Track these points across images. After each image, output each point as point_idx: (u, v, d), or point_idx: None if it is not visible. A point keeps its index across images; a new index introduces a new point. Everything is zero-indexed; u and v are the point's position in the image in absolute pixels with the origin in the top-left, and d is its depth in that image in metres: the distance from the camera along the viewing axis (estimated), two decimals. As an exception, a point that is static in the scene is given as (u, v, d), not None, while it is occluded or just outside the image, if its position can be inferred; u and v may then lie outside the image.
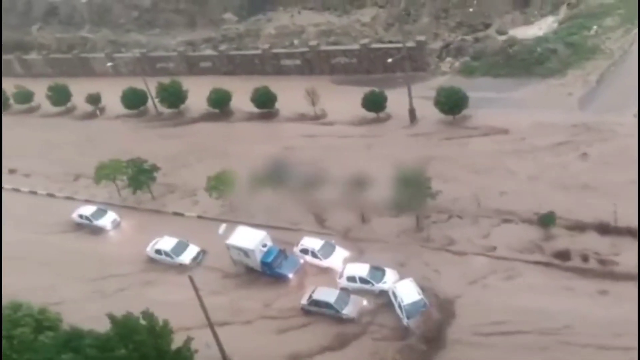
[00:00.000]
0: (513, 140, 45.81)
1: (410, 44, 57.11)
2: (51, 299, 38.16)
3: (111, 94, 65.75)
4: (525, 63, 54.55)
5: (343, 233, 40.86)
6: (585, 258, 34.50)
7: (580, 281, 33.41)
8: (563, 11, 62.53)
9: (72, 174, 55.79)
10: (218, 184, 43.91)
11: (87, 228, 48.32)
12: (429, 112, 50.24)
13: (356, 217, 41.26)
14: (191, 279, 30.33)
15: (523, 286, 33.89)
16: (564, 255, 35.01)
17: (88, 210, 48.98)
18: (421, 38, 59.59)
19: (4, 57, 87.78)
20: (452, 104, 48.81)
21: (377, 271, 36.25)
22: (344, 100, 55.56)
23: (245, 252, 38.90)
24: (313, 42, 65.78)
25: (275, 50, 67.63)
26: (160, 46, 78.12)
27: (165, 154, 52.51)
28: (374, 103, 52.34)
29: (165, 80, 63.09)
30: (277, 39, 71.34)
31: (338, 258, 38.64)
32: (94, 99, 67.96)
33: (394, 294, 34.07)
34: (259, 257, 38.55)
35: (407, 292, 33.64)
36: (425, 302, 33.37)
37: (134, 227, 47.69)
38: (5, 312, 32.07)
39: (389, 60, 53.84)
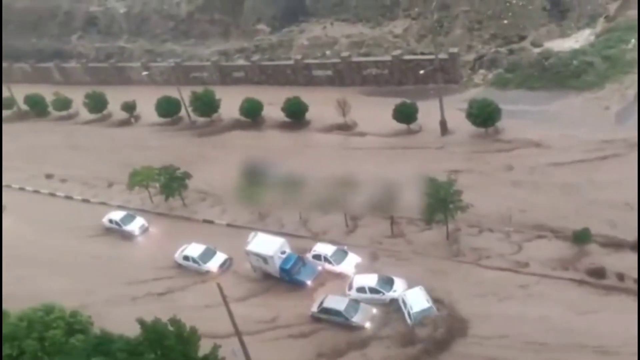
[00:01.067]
0: (547, 154, 44.97)
1: (442, 55, 56.78)
2: (81, 302, 38.78)
3: (146, 102, 67.16)
4: (561, 76, 53.64)
5: (372, 244, 40.56)
6: (620, 277, 33.51)
7: (615, 300, 32.45)
8: (600, 24, 61.33)
9: (107, 180, 56.89)
10: (246, 193, 44.15)
11: (116, 233, 49.24)
12: (460, 124, 49.76)
13: (386, 228, 40.93)
14: (219, 287, 30.47)
15: (555, 304, 33.06)
16: (598, 273, 34.07)
17: (117, 215, 49.94)
18: (454, 50, 59.20)
19: (44, 65, 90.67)
20: (484, 116, 48.23)
21: (386, 280, 36.55)
22: (374, 112, 55.50)
23: (264, 259, 39.26)
24: (345, 53, 65.99)
25: (307, 61, 68.05)
26: (195, 56, 79.46)
27: (197, 162, 53.18)
28: (405, 114, 52.11)
29: (199, 89, 64.08)
30: (309, 50, 71.83)
31: (350, 264, 39.02)
32: (130, 107, 69.46)
33: (403, 301, 34.52)
34: (277, 263, 38.90)
35: (416, 299, 34.21)
36: (434, 310, 33.73)
37: (163, 233, 48.28)
38: (37, 314, 32.67)
39: (421, 71, 53.59)
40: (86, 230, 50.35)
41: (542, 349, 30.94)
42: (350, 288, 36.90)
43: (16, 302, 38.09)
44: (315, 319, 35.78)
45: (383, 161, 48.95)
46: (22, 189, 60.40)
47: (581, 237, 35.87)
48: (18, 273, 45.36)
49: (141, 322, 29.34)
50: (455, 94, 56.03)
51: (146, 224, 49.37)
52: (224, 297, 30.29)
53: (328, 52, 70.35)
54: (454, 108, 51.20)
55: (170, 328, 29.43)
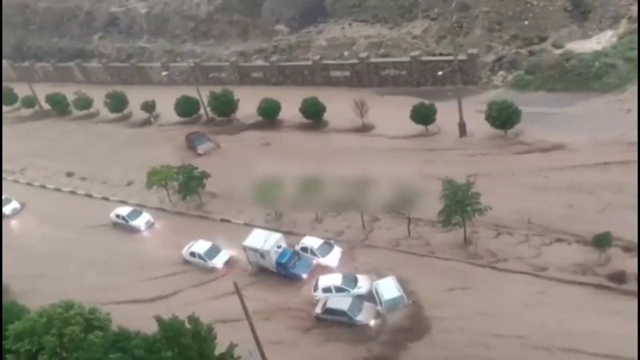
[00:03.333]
0: (567, 157, 44.40)
1: (461, 56, 56.39)
2: (92, 296, 39.09)
3: (165, 101, 67.80)
4: (582, 78, 52.93)
5: (389, 245, 40.40)
6: (641, 281, 32.95)
7: (635, 305, 31.88)
8: (623, 25, 60.31)
9: (126, 178, 57.47)
10: (263, 193, 44.39)
11: (123, 228, 50.00)
12: (479, 126, 49.39)
13: (403, 229, 40.77)
14: (236, 286, 30.62)
15: (573, 309, 32.63)
16: (618, 277, 33.54)
17: (124, 210, 50.66)
18: (473, 51, 58.78)
19: (65, 64, 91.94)
20: (504, 118, 47.80)
21: (350, 279, 37.64)
22: (392, 113, 55.32)
23: (261, 254, 40.22)
24: (363, 54, 65.89)
25: (325, 62, 68.08)
26: (214, 56, 79.97)
27: (215, 161, 53.49)
28: (423, 116, 51.86)
29: (218, 89, 64.54)
30: (327, 51, 71.83)
31: (335, 256, 40.17)
32: (149, 107, 70.15)
33: (376, 290, 35.97)
34: (274, 258, 39.86)
35: (387, 288, 35.68)
36: (404, 299, 35.17)
37: (176, 229, 48.41)
38: (57, 310, 33.10)
39: (440, 72, 53.25)
40: (100, 227, 51.17)
41: (546, 353, 30.65)
42: (316, 289, 37.70)
43: (34, 298, 38.91)
44: (320, 320, 36.07)
45: (400, 163, 48.63)
46: (43, 186, 61.32)
47: (602, 241, 35.29)
48: (35, 269, 46.20)
49: (158, 320, 29.54)
50: (474, 95, 55.61)
51: (152, 220, 50.04)
52: (240, 295, 30.40)
53: (346, 53, 70.29)
54: (473, 110, 50.81)
55: (188, 326, 29.61)
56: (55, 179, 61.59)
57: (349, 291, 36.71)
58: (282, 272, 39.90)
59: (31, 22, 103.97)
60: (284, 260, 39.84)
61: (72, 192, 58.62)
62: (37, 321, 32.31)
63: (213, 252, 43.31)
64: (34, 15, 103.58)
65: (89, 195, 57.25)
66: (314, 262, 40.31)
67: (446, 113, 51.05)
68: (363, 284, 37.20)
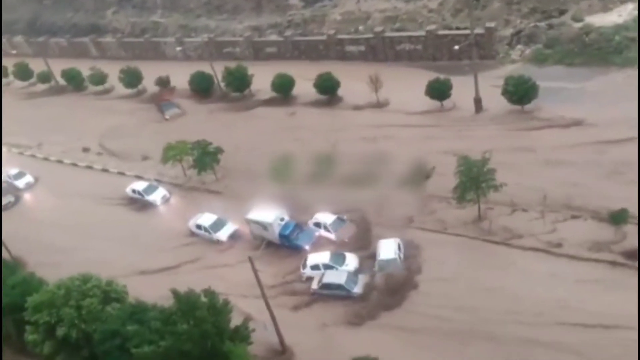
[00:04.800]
0: (585, 132, 43.77)
1: (478, 30, 55.48)
2: (112, 269, 39.63)
3: (180, 77, 67.71)
4: (602, 52, 51.90)
5: (402, 220, 40.37)
6: (657, 259, 32.64)
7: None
8: (646, -3, 58.80)
9: (141, 153, 57.78)
10: (277, 169, 44.47)
11: (139, 202, 50.49)
12: (496, 101, 48.74)
13: (417, 205, 40.64)
14: (251, 260, 30.85)
15: (587, 285, 32.48)
16: (633, 254, 33.21)
17: (140, 185, 51.11)
18: (491, 24, 57.74)
19: (80, 39, 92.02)
20: (521, 93, 47.11)
21: (338, 256, 38.25)
22: (407, 88, 54.80)
23: (264, 226, 40.84)
24: (378, 28, 65.06)
25: (340, 36, 67.39)
26: (228, 31, 79.49)
27: (229, 137, 53.53)
28: (439, 91, 51.28)
29: (232, 64, 64.28)
30: (342, 25, 71.02)
31: (347, 232, 40.52)
32: (164, 82, 70.14)
33: (376, 249, 37.12)
34: (277, 230, 40.48)
35: (386, 249, 36.74)
36: (398, 262, 36.01)
37: (191, 205, 48.56)
38: (75, 282, 33.64)
39: (456, 47, 52.44)
40: (113, 201, 51.79)
41: (559, 329, 30.61)
42: (304, 267, 38.24)
43: (50, 270, 39.63)
44: (317, 295, 36.60)
45: (415, 138, 48.43)
46: (59, 161, 61.98)
47: (618, 218, 35.00)
48: (52, 242, 47.01)
49: (174, 292, 29.92)
50: (491, 70, 54.82)
51: (168, 195, 50.45)
52: (255, 270, 30.68)
53: (361, 28, 69.45)
54: (489, 85, 50.13)
55: (203, 299, 29.98)
56: (71, 154, 62.14)
57: (336, 268, 37.24)
58: (286, 244, 40.49)
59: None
60: (286, 232, 40.52)
61: (89, 167, 59.16)
62: (56, 293, 32.86)
63: (218, 225, 43.92)
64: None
65: (105, 170, 57.72)
66: (317, 234, 40.91)
67: (462, 88, 50.42)
68: (350, 262, 37.79)
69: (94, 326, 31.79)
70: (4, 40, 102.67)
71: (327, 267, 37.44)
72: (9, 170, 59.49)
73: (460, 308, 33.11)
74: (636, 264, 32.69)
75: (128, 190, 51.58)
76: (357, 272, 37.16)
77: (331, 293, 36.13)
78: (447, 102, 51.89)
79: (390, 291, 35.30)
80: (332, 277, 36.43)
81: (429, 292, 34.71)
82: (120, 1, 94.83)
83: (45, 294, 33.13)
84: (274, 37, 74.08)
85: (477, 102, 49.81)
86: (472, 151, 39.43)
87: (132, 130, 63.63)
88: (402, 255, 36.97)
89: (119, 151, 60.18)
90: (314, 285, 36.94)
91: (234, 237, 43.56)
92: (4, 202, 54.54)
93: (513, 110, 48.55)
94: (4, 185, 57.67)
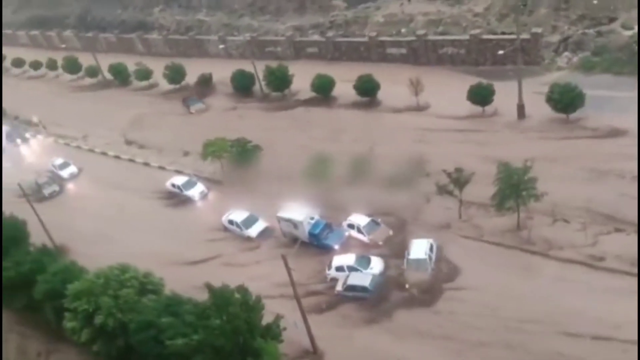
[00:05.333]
0: (632, 143, 42.24)
1: (524, 35, 54.37)
2: (148, 259, 40.39)
3: (222, 74, 68.62)
4: (653, 61, 50.13)
5: (439, 226, 39.91)
6: None
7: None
8: (702, 5, 56.59)
9: (182, 149, 58.78)
10: (315, 169, 44.55)
11: (178, 196, 51.38)
12: (540, 109, 47.70)
13: (455, 211, 40.13)
14: (284, 259, 30.94)
15: (626, 301, 31.21)
16: (681, 272, 32.03)
17: (180, 180, 51.97)
18: (537, 30, 56.53)
19: (127, 35, 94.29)
20: (566, 101, 45.95)
21: (364, 259, 38.19)
22: (448, 92, 54.16)
23: (294, 224, 41.12)
24: (421, 31, 64.51)
25: (381, 38, 67.10)
26: (270, 31, 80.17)
27: (267, 135, 53.94)
28: (481, 96, 50.48)
29: (273, 64, 64.78)
30: (384, 27, 70.71)
31: (381, 235, 40.12)
32: (206, 80, 71.25)
33: (408, 249, 37.18)
34: (307, 229, 40.69)
35: (417, 249, 36.81)
36: (427, 262, 35.93)
37: (225, 200, 49.06)
38: (114, 272, 34.48)
39: (500, 52, 51.58)
40: (153, 194, 52.87)
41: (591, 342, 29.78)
42: (329, 267, 38.31)
43: (91, 259, 40.70)
44: (341, 296, 36.58)
45: (455, 143, 47.81)
46: (104, 153, 63.62)
47: (665, 234, 33.77)
48: (92, 231, 48.34)
49: (209, 287, 30.31)
50: (536, 76, 53.69)
51: (206, 190, 51.19)
52: (288, 269, 30.80)
53: (403, 30, 69.01)
54: (533, 91, 49.13)
55: (237, 295, 30.27)
56: (115, 147, 63.72)
57: (360, 271, 37.19)
58: (315, 243, 40.61)
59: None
60: (316, 231, 40.71)
61: (131, 160, 60.53)
62: (95, 282, 33.68)
63: (250, 221, 44.52)
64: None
65: (147, 164, 58.95)
66: (346, 234, 41.04)
67: (504, 94, 49.53)
68: (376, 265, 37.67)
69: (130, 316, 32.45)
70: (53, 34, 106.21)
71: (351, 269, 37.44)
72: (55, 160, 61.48)
73: (488, 315, 32.66)
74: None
75: (168, 184, 52.59)
76: (381, 275, 37.06)
77: (355, 295, 36.11)
78: (489, 108, 51.05)
79: (418, 293, 35.22)
80: (357, 279, 36.44)
81: (458, 298, 34.32)
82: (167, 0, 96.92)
83: (85, 282, 33.98)
84: (315, 38, 74.32)
85: (520, 108, 48.83)
86: (513, 158, 38.62)
87: (160, 122, 65.74)
88: (433, 257, 36.72)
89: (151, 143, 62.23)
90: (339, 286, 36.97)
91: (264, 234, 44.04)
92: (49, 190, 56.38)
93: (557, 119, 47.41)
94: (49, 174, 59.66)
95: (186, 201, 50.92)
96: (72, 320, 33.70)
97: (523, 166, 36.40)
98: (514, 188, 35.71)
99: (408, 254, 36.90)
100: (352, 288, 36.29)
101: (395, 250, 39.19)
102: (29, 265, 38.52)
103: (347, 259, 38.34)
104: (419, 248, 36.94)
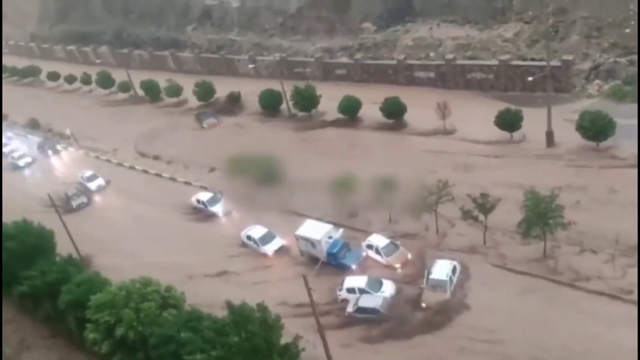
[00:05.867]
0: (664, 175, 41.39)
1: (555, 62, 53.99)
2: (169, 272, 40.97)
3: (250, 93, 69.50)
4: (687, 91, 49.19)
5: (463, 251, 39.38)
6: None
7: None
8: None
9: (208, 165, 59.44)
10: (339, 189, 44.44)
11: (202, 212, 51.87)
12: (569, 136, 47.10)
13: (479, 237, 39.60)
14: (305, 280, 30.88)
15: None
16: None
17: (205, 196, 52.52)
18: (568, 57, 56.10)
19: (161, 53, 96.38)
20: (596, 129, 45.30)
21: (375, 282, 37.95)
22: (476, 117, 53.89)
23: (312, 243, 41.15)
24: (449, 56, 64.55)
25: (410, 62, 67.33)
26: (300, 51, 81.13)
27: (293, 154, 54.19)
28: (509, 122, 50.08)
29: (301, 84, 65.41)
30: (413, 50, 70.97)
31: (399, 258, 39.89)
32: (235, 97, 72.24)
33: (429, 269, 36.95)
34: (325, 248, 40.62)
35: (439, 270, 36.53)
36: (448, 285, 35.52)
37: (247, 216, 49.16)
38: (136, 285, 34.73)
39: (530, 78, 51.25)
40: (178, 208, 53.43)
41: None
42: (341, 289, 38.18)
43: (113, 270, 41.21)
44: (351, 318, 36.36)
45: (481, 168, 47.40)
46: (132, 167, 64.69)
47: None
48: (115, 243, 49.12)
49: (229, 305, 30.31)
50: (566, 104, 53.14)
51: (230, 207, 51.42)
52: (309, 290, 30.68)
53: (432, 54, 69.14)
54: (563, 119, 48.58)
55: (257, 314, 30.21)
56: (143, 161, 64.76)
57: (371, 294, 36.97)
58: (332, 262, 40.41)
59: (132, 11, 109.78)
60: (334, 251, 40.63)
61: (158, 175, 61.39)
62: (117, 294, 33.95)
63: (267, 238, 44.80)
64: (135, 5, 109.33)
65: (173, 179, 59.72)
66: (364, 254, 40.99)
67: (533, 120, 49.09)
68: (387, 289, 37.42)
69: (150, 330, 32.52)
70: (89, 49, 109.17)
71: (362, 291, 37.23)
72: (84, 172, 62.69)
73: (503, 343, 32.11)
74: None
75: (193, 200, 53.10)
76: (393, 298, 36.88)
77: (366, 317, 35.92)
78: (517, 134, 50.58)
79: (433, 313, 34.90)
80: (367, 301, 36.27)
81: (473, 324, 33.74)
82: (200, 18, 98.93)
83: (107, 294, 34.27)
84: (344, 59, 74.90)
85: (549, 135, 48.26)
86: (541, 186, 38.09)
87: (172, 136, 67.52)
88: (454, 279, 36.29)
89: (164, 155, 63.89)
90: (349, 308, 36.82)
91: (279, 252, 44.24)
92: (77, 202, 57.40)
93: (587, 147, 46.71)
94: (78, 186, 60.83)
95: (210, 217, 51.25)
96: (94, 331, 33.90)
97: (550, 194, 35.82)
98: (541, 216, 35.14)
99: (429, 274, 36.58)
100: (363, 310, 36.10)
101: (416, 273, 38.70)
102: (54, 275, 39.05)
103: (358, 280, 38.19)
104: (441, 269, 36.65)
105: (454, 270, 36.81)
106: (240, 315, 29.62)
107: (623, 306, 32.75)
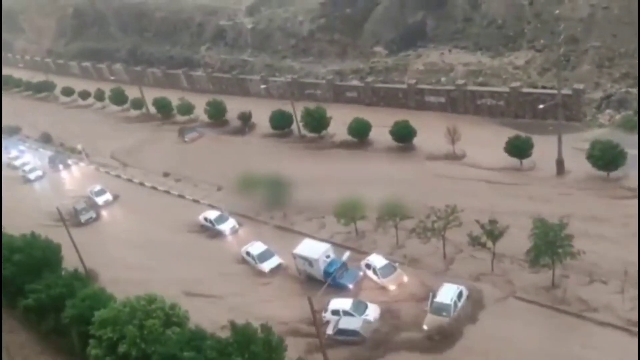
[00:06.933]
0: (675, 207, 40.99)
1: (566, 91, 54.01)
2: (172, 289, 41.07)
3: (261, 113, 70.03)
4: (699, 124, 48.96)
5: (470, 278, 39.00)
6: None
7: None
8: None
9: (216, 183, 59.60)
10: (346, 211, 44.45)
11: (209, 231, 51.86)
12: (579, 165, 46.90)
13: (487, 264, 39.25)
14: (310, 301, 30.71)
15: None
16: None
17: (212, 214, 52.58)
18: (579, 86, 56.12)
19: (174, 71, 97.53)
20: (607, 159, 45.09)
21: (360, 304, 37.87)
22: (486, 143, 53.87)
23: (310, 262, 41.30)
24: (460, 81, 64.80)
25: (420, 86, 67.61)
26: (311, 73, 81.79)
27: (301, 175, 54.27)
28: (519, 149, 49.96)
29: (312, 105, 65.79)
30: (423, 75, 71.34)
31: (395, 280, 39.70)
32: (245, 117, 72.79)
33: (434, 292, 36.49)
34: (322, 267, 40.84)
35: (445, 293, 36.21)
36: (452, 310, 35.17)
37: (256, 237, 48.85)
38: (140, 302, 34.61)
39: (541, 106, 51.21)
40: (185, 226, 53.44)
41: None
42: (325, 310, 37.93)
43: (113, 285, 41.31)
44: (332, 340, 35.93)
45: (490, 195, 47.18)
46: (141, 184, 65.02)
47: None
48: (121, 258, 49.15)
49: (232, 324, 30.18)
50: (576, 132, 52.99)
51: (237, 226, 51.57)
52: (313, 311, 30.50)
53: (443, 79, 69.46)
54: (573, 147, 48.45)
55: (260, 334, 29.99)
56: (152, 178, 65.12)
57: (355, 317, 36.89)
58: (329, 282, 40.14)
59: (147, 29, 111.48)
60: (331, 270, 40.64)
61: (167, 192, 61.63)
62: (121, 311, 33.87)
63: (265, 255, 44.88)
64: (150, 24, 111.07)
65: (182, 197, 59.90)
66: (361, 274, 41.09)
67: (543, 148, 48.94)
68: (371, 312, 37.29)
69: (153, 347, 32.31)
70: (103, 66, 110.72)
71: (346, 313, 37.10)
72: (93, 187, 63.06)
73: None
74: None
75: (200, 218, 53.16)
76: (376, 321, 36.69)
77: (346, 339, 35.65)
78: (527, 161, 50.42)
79: (434, 337, 34.61)
80: (347, 323, 36.10)
81: (474, 350, 33.29)
82: (214, 38, 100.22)
83: (111, 310, 34.20)
84: (355, 82, 75.39)
85: (560, 163, 48.07)
86: (550, 214, 37.86)
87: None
88: (459, 304, 35.88)
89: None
90: (329, 330, 36.57)
91: (277, 270, 44.36)
92: (86, 216, 57.62)
93: (597, 176, 46.45)
94: (87, 200, 61.14)
95: (217, 235, 51.29)
96: (96, 347, 33.73)
97: (560, 222, 35.54)
98: (550, 245, 34.80)
99: (434, 296, 36.36)
100: (343, 332, 35.88)
101: (420, 297, 38.45)
102: (59, 289, 39.08)
103: (343, 303, 38.07)
104: (447, 293, 36.29)
105: (459, 295, 36.42)
106: (243, 336, 29.42)
107: (631, 338, 32.16)
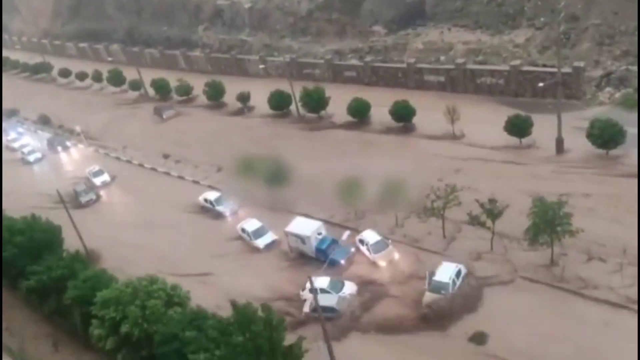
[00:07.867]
0: (674, 184, 41.06)
1: (566, 69, 53.71)
2: (168, 268, 41.91)
3: (259, 94, 69.69)
4: (699, 100, 48.75)
5: (469, 257, 39.21)
6: None
7: None
8: None
9: (216, 164, 59.58)
10: (346, 191, 44.48)
11: (209, 211, 52.10)
12: (579, 144, 46.86)
13: (486, 243, 39.42)
14: (310, 280, 30.95)
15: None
16: None
17: (212, 195, 52.78)
18: (579, 64, 55.80)
19: (171, 52, 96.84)
20: (607, 137, 45.05)
21: (337, 283, 38.59)
22: (485, 122, 53.70)
23: (302, 239, 42.11)
24: (460, 60, 64.39)
25: (420, 65, 67.23)
26: (310, 53, 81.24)
27: (300, 155, 54.21)
28: (518, 128, 49.87)
29: (310, 85, 65.48)
30: (423, 54, 70.88)
31: (386, 256, 40.21)
32: (244, 98, 72.45)
33: (433, 270, 36.97)
34: (314, 244, 41.57)
35: (442, 272, 36.57)
36: (449, 288, 35.56)
37: (253, 217, 48.89)
38: (142, 282, 34.83)
39: (540, 84, 51.00)
40: (185, 207, 53.63)
41: None
42: (303, 289, 38.35)
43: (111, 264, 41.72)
44: (309, 317, 36.57)
45: (489, 174, 47.21)
46: (141, 165, 65.00)
47: None
48: (121, 240, 49.45)
49: (233, 304, 30.35)
50: (576, 111, 52.78)
51: (237, 207, 51.66)
52: (314, 289, 30.69)
53: (442, 58, 69.02)
54: (573, 126, 48.26)
55: (261, 314, 30.23)
56: (152, 159, 65.06)
57: (332, 294, 37.56)
58: (321, 258, 40.61)
59: (144, 10, 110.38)
60: (323, 247, 41.34)
61: (166, 173, 61.61)
62: (123, 291, 34.04)
63: (260, 232, 45.55)
64: (147, 4, 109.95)
65: (181, 178, 59.91)
66: (352, 250, 41.57)
67: (543, 127, 48.83)
68: (348, 289, 38.06)
69: (155, 327, 32.59)
70: (101, 47, 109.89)
71: (323, 291, 37.46)
72: (91, 168, 63.12)
73: (501, 349, 31.94)
74: None
75: (200, 199, 53.25)
76: (352, 296, 37.39)
77: (323, 315, 35.78)
78: (526, 140, 50.36)
79: (432, 315, 35.02)
80: (324, 300, 36.17)
81: (472, 328, 33.63)
82: (211, 18, 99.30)
83: (113, 290, 34.37)
84: (354, 62, 74.93)
85: (559, 142, 48.02)
86: (549, 193, 37.94)
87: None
88: (457, 283, 36.14)
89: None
90: (306, 308, 37.18)
91: (270, 246, 44.93)
92: (86, 198, 57.73)
93: (597, 155, 46.45)
94: (87, 182, 61.23)
95: (217, 215, 51.45)
96: (99, 327, 34.06)
97: (558, 201, 35.63)
98: (549, 223, 34.94)
99: (433, 275, 36.75)
100: (320, 309, 36.01)
101: (405, 273, 39.28)
102: (61, 271, 39.28)
103: (321, 281, 38.37)
104: (446, 271, 36.60)
105: (458, 273, 36.65)
106: (244, 315, 29.64)
107: (630, 315, 32.46)
